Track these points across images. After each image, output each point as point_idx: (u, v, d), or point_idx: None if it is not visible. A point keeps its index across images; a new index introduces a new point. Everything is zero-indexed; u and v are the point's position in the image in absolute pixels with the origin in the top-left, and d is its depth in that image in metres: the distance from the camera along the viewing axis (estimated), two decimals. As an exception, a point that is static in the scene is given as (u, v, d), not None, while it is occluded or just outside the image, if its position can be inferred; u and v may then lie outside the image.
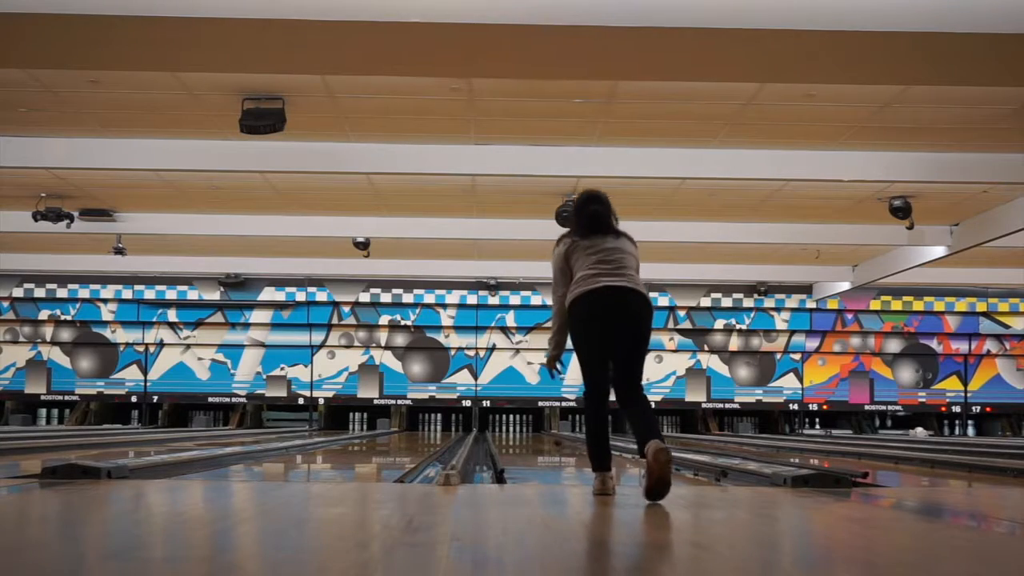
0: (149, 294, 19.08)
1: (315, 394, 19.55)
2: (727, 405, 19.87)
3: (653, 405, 4.79)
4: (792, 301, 19.42)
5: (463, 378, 19.62)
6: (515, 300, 19.31)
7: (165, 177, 11.18)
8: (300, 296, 19.19)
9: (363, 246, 14.18)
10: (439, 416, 20.21)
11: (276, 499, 4.81)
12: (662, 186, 11.20)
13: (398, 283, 19.08)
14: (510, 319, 19.44)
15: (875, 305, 19.49)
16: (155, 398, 19.53)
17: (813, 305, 19.43)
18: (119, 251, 14.27)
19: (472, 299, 19.31)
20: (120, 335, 19.46)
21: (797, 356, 19.94)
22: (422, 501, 4.39)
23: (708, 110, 8.98)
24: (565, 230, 5.04)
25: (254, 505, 4.57)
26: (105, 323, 19.39)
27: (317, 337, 19.50)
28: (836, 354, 19.98)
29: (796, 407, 19.93)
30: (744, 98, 8.59)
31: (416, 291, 19.24)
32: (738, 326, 19.66)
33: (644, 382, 4.71)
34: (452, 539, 3.21)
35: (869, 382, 19.98)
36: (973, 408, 20.02)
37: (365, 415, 20.17)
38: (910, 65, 6.97)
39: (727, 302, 19.37)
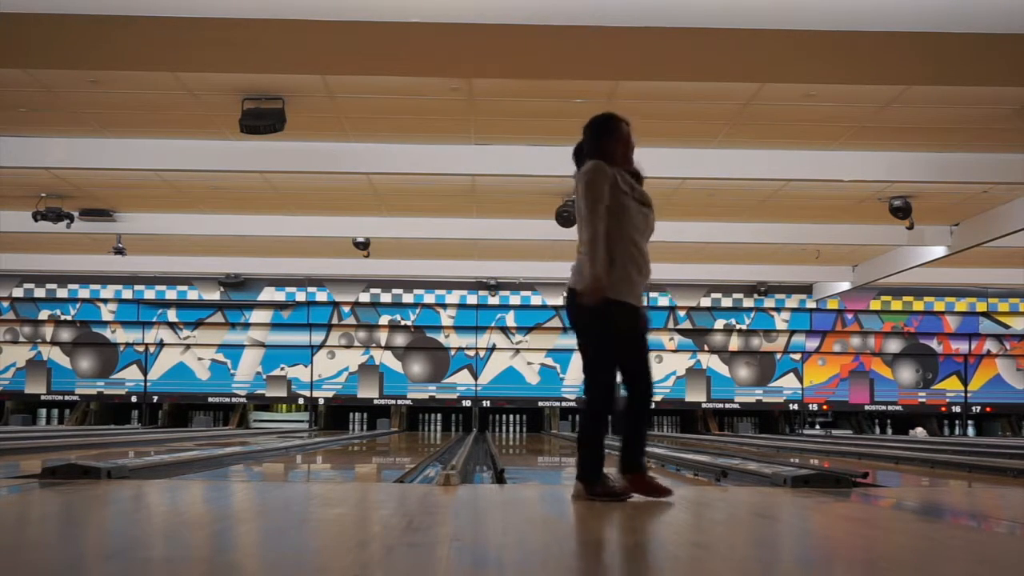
0: (149, 294, 19.09)
1: (315, 394, 19.56)
2: (727, 405, 19.87)
3: (653, 405, 4.74)
4: (792, 301, 19.42)
5: (463, 378, 19.61)
6: (515, 300, 19.31)
7: (165, 177, 11.18)
8: (300, 296, 19.19)
9: (363, 246, 14.18)
10: (439, 416, 20.20)
11: (276, 499, 4.81)
12: (662, 186, 11.20)
13: (398, 283, 19.08)
14: (510, 319, 19.44)
15: (875, 305, 19.49)
16: (155, 398, 19.53)
17: (813, 305, 19.43)
18: (119, 251, 14.27)
19: (472, 299, 19.31)
20: (120, 335, 19.46)
21: (797, 356, 19.94)
22: (422, 501, 4.39)
23: (708, 110, 8.98)
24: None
25: (254, 505, 4.57)
26: (105, 323, 19.39)
27: (317, 337, 19.50)
28: (836, 354, 19.98)
29: (796, 407, 19.93)
30: (744, 98, 8.59)
31: (416, 291, 19.25)
32: (738, 326, 19.66)
33: None
34: (452, 539, 3.21)
35: (869, 382, 19.98)
36: (973, 408, 20.02)
37: (365, 415, 20.17)
38: (910, 65, 6.98)
39: (727, 302, 19.37)
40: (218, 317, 19.30)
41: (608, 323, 4.40)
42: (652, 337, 4.95)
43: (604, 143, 4.54)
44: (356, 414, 20.21)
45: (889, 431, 20.07)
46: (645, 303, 4.61)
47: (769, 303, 19.36)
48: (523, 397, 19.65)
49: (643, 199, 4.54)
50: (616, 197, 4.41)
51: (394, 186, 11.48)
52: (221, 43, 6.59)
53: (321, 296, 19.19)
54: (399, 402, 19.66)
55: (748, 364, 19.91)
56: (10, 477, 5.84)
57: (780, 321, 19.67)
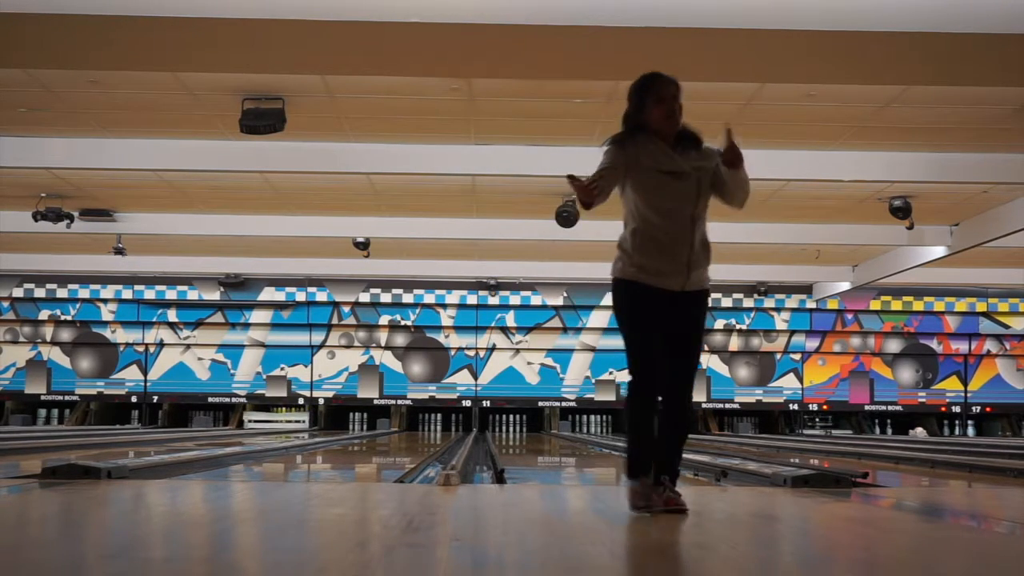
0: (149, 294, 19.08)
1: (315, 394, 19.56)
2: (727, 405, 19.87)
3: (681, 406, 4.13)
4: (792, 301, 19.42)
5: (463, 378, 19.61)
6: (515, 300, 19.31)
7: (165, 177, 11.17)
8: (300, 296, 19.19)
9: (363, 246, 14.18)
10: (439, 416, 20.20)
11: (276, 499, 4.81)
12: (662, 186, 11.18)
13: (398, 283, 19.08)
14: (510, 319, 19.44)
15: (875, 305, 19.49)
16: (155, 398, 19.53)
17: (813, 305, 19.43)
18: (119, 251, 14.27)
19: (472, 299, 19.31)
20: (120, 335, 19.46)
21: (797, 356, 19.94)
22: (422, 501, 4.39)
23: (708, 110, 8.96)
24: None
25: (254, 505, 4.57)
26: (105, 323, 19.39)
27: (317, 337, 19.50)
28: (836, 354, 19.97)
29: (796, 407, 19.93)
30: (744, 98, 8.59)
31: (416, 291, 19.24)
32: (738, 326, 19.66)
33: None
34: (452, 539, 3.21)
35: (869, 382, 19.98)
36: (973, 408, 20.02)
37: (365, 415, 20.17)
38: (910, 65, 6.98)
39: (727, 302, 19.36)
40: (218, 317, 19.30)
41: (616, 303, 4.20)
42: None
43: (642, 103, 4.35)
44: (356, 414, 20.21)
45: (889, 431, 20.07)
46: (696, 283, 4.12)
47: (769, 303, 19.36)
48: (523, 397, 19.65)
49: (675, 167, 4.25)
50: (634, 174, 4.21)
51: (394, 186, 11.48)
52: (221, 43, 6.59)
53: (321, 296, 19.19)
54: (399, 402, 19.66)
55: (748, 364, 19.91)
56: (10, 477, 5.83)
57: (780, 321, 19.67)
